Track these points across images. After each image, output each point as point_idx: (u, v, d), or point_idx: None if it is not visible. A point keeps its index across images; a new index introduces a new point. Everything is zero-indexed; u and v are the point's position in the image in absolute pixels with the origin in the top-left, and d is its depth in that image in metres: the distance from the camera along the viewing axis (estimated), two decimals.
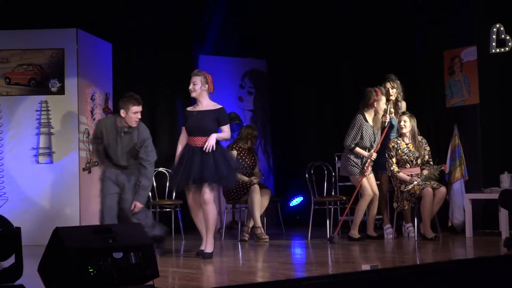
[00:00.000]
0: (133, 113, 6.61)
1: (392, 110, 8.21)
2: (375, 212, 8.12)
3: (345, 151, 8.06)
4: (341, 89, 10.33)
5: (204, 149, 6.51)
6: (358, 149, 7.91)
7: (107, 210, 6.65)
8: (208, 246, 6.57)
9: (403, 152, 7.90)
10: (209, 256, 6.51)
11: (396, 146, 7.92)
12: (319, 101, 10.77)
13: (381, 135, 8.02)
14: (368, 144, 7.95)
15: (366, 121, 7.95)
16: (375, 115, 8.01)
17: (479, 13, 8.72)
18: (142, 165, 6.68)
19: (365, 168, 7.88)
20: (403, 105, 8.31)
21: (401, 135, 7.98)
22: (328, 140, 10.37)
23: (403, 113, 8.02)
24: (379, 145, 7.98)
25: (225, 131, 6.68)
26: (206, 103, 6.70)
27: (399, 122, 7.98)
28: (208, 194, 6.51)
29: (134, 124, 6.65)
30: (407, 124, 7.93)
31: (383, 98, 7.98)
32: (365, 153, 7.89)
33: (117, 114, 6.71)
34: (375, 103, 7.93)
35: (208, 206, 6.52)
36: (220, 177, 6.57)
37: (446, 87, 9.25)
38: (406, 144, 7.94)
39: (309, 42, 10.76)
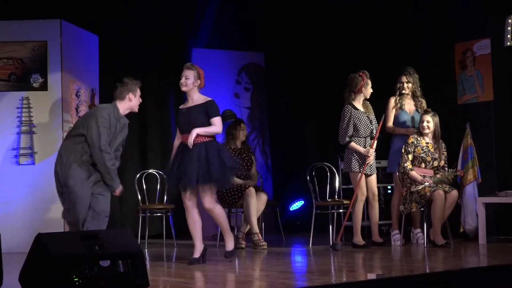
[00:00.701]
0: (139, 96, 6.72)
1: (405, 103, 8.23)
2: (377, 217, 8.13)
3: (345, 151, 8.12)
4: (344, 86, 10.32)
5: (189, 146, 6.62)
6: (353, 145, 7.93)
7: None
8: (228, 244, 6.82)
9: (422, 150, 7.91)
10: (231, 254, 6.81)
11: (415, 142, 7.93)
12: (321, 98, 10.77)
13: (376, 131, 8.01)
14: (367, 133, 7.96)
15: (356, 108, 7.98)
16: (363, 100, 8.05)
17: (493, 3, 8.73)
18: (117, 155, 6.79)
19: (363, 166, 7.89)
20: (423, 101, 8.34)
21: (421, 134, 7.99)
22: (330, 140, 10.35)
23: (426, 112, 8.02)
24: (374, 141, 7.99)
25: (215, 125, 6.70)
26: (196, 98, 6.79)
27: (422, 121, 7.99)
28: (208, 201, 6.67)
29: (137, 110, 6.74)
30: (431, 125, 7.94)
31: (369, 82, 8.02)
32: (361, 149, 7.91)
33: (115, 102, 6.65)
34: (362, 88, 7.98)
35: (213, 211, 6.72)
36: (213, 178, 6.61)
37: (457, 82, 9.26)
38: (426, 143, 7.96)
39: (310, 35, 10.76)
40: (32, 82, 8.33)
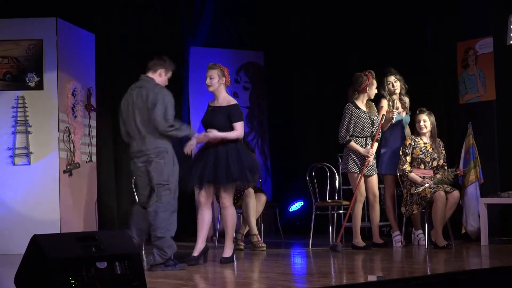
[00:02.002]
0: (168, 79, 6.76)
1: (399, 105, 8.23)
2: (378, 218, 8.14)
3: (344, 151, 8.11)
4: (346, 85, 10.32)
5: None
6: (353, 144, 7.93)
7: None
8: (226, 250, 6.87)
9: (420, 151, 7.92)
10: (226, 260, 6.80)
11: (413, 143, 7.94)
12: (321, 98, 10.78)
13: (376, 131, 8.02)
14: (368, 133, 7.96)
15: (358, 108, 7.98)
16: (367, 101, 8.06)
17: (496, 1, 8.73)
18: None
19: (363, 166, 7.89)
20: (407, 101, 8.34)
21: (419, 134, 8.00)
22: (330, 140, 10.36)
23: (421, 111, 8.02)
24: (374, 142, 7.99)
25: (237, 129, 6.84)
26: (222, 98, 6.94)
27: (418, 121, 8.00)
28: (225, 198, 6.80)
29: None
30: (427, 124, 7.96)
31: (375, 82, 8.02)
32: (360, 149, 7.91)
33: (148, 74, 6.63)
34: (367, 88, 7.98)
35: (226, 210, 6.83)
36: (231, 178, 6.73)
37: (459, 81, 9.26)
38: (424, 143, 7.96)
39: (310, 33, 10.77)
40: (27, 81, 8.33)
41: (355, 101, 8.02)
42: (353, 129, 7.94)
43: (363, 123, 7.94)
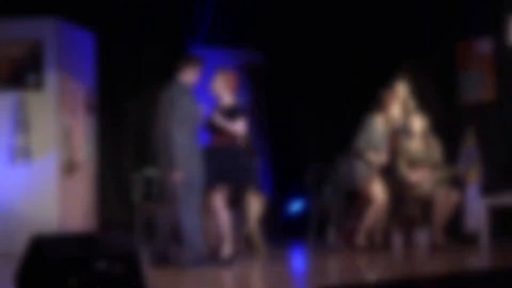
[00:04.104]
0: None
1: (402, 112, 8.23)
2: (380, 218, 8.13)
3: (349, 158, 8.02)
4: (346, 85, 10.34)
5: None
6: (367, 153, 7.90)
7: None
8: (224, 251, 6.84)
9: (412, 152, 7.92)
10: (224, 262, 6.77)
11: (405, 145, 7.94)
12: (321, 98, 10.78)
13: (392, 139, 8.02)
14: (374, 148, 7.94)
15: (378, 123, 7.96)
16: (386, 119, 8.05)
17: (496, 1, 8.74)
18: None
19: (374, 173, 7.88)
20: (410, 106, 8.33)
21: (410, 134, 8.01)
22: (330, 140, 10.37)
23: (414, 112, 8.04)
24: (390, 150, 7.99)
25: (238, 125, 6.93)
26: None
27: (409, 121, 8.00)
28: (216, 201, 6.80)
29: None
30: (418, 124, 7.96)
31: (397, 105, 8.02)
32: (375, 158, 7.89)
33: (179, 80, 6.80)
34: (389, 106, 7.95)
35: (217, 214, 6.84)
36: (225, 178, 6.75)
37: (459, 82, 9.26)
38: (416, 144, 7.96)
39: (310, 34, 10.76)
40: (28, 81, 8.33)
41: (377, 115, 7.97)
42: (369, 142, 7.87)
43: (375, 139, 7.90)
